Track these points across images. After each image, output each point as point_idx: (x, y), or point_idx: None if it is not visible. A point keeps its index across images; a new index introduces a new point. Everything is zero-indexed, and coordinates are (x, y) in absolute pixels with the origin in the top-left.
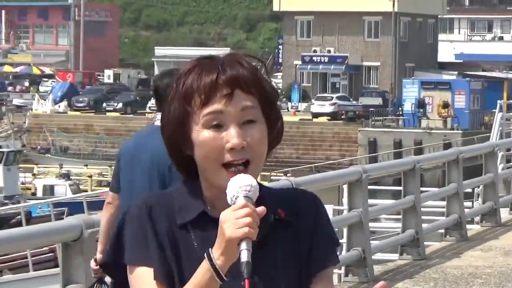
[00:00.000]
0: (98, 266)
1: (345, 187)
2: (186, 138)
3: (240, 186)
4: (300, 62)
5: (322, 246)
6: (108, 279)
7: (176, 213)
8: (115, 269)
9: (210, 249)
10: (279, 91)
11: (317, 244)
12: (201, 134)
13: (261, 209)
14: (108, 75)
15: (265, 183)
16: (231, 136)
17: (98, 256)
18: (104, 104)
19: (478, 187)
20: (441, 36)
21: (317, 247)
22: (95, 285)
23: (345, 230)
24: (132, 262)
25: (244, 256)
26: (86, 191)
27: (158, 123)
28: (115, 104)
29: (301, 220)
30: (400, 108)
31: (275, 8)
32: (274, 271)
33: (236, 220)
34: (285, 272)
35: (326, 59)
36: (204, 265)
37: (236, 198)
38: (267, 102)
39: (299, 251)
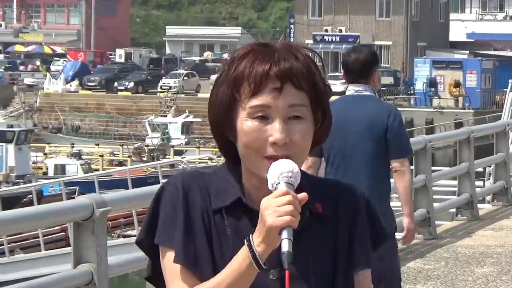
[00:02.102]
0: None
1: None
2: (230, 123)
3: (281, 172)
4: (311, 42)
5: (357, 248)
6: None
7: (213, 197)
8: (150, 248)
9: (250, 235)
10: None
11: (354, 244)
12: (245, 123)
13: (303, 195)
14: (119, 54)
15: None
16: (275, 130)
17: None
18: (116, 83)
19: (490, 166)
20: (452, 15)
21: (354, 248)
22: None
23: None
24: (160, 243)
25: (285, 246)
26: (98, 170)
27: (366, 92)
28: (127, 83)
29: (340, 214)
30: (411, 87)
31: None
32: (305, 265)
33: (277, 208)
34: (317, 267)
35: (338, 39)
36: (243, 251)
37: (277, 185)
38: (317, 99)
39: (335, 246)
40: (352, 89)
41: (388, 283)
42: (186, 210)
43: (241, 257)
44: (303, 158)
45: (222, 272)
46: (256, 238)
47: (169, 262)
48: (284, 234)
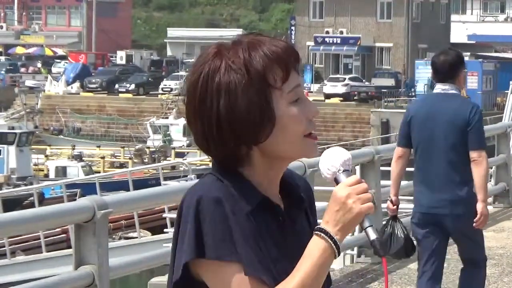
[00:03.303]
0: (395, 206)
1: (357, 168)
2: (266, 123)
3: (344, 160)
4: (312, 43)
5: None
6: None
7: (238, 202)
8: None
9: (317, 227)
10: None
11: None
12: (290, 109)
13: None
14: (120, 56)
15: None
16: (312, 106)
17: (393, 198)
18: (117, 85)
19: (491, 168)
20: (453, 17)
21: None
22: (390, 221)
23: None
24: (219, 258)
25: (373, 234)
26: (99, 172)
27: (452, 90)
28: (128, 85)
29: (305, 198)
30: (412, 89)
31: None
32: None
33: (359, 196)
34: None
35: (339, 40)
36: (319, 243)
37: (340, 172)
38: None
39: (310, 226)
40: (439, 88)
41: (475, 260)
42: (236, 220)
43: (320, 249)
44: None
45: (300, 269)
46: (333, 228)
47: (232, 276)
48: (367, 223)
